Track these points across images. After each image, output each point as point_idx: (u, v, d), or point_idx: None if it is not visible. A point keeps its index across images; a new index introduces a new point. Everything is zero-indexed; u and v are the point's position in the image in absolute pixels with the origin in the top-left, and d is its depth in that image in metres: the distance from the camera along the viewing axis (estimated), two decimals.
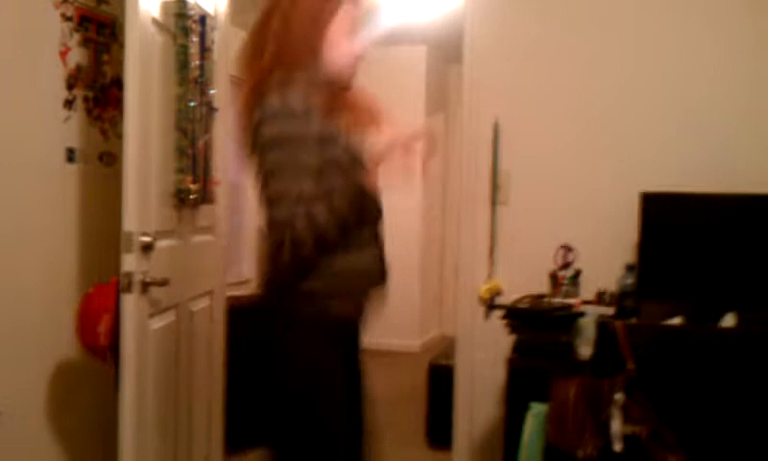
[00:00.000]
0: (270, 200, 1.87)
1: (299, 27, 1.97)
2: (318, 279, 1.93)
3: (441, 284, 7.74)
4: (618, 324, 2.57)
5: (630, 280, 3.07)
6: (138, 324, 2.44)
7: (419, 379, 4.61)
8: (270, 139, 1.86)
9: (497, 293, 3.53)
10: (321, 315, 1.95)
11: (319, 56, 1.99)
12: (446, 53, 7.03)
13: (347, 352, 2.05)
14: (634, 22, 3.38)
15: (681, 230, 3.03)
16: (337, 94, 2.03)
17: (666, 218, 3.06)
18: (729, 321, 2.79)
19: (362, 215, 1.96)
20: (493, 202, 3.56)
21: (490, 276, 3.56)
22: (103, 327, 2.50)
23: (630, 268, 3.09)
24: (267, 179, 1.88)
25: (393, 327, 7.00)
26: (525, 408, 2.83)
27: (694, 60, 3.31)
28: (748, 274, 2.94)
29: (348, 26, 2.03)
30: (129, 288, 2.40)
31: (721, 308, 2.83)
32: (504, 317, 3.12)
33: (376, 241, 2.06)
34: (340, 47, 2.01)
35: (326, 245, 1.89)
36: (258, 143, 1.89)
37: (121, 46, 2.65)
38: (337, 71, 2.03)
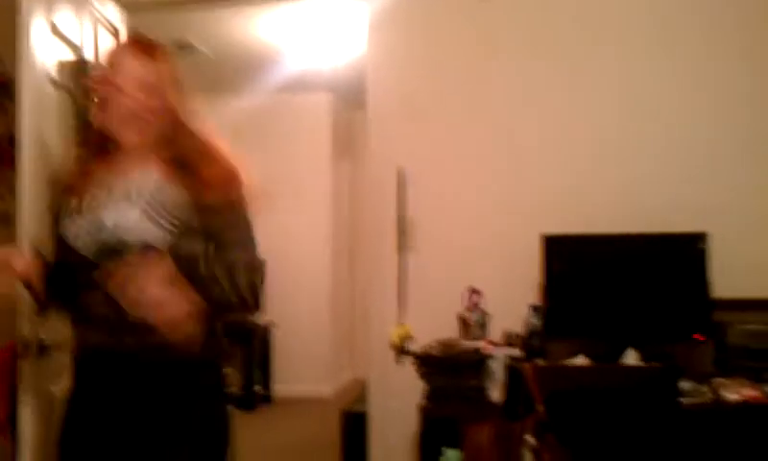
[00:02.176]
0: None
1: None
2: None
3: (352, 328, 7.72)
4: (527, 366, 2.62)
5: (535, 321, 3.14)
6: (38, 391, 2.33)
7: (332, 427, 4.55)
8: None
9: (408, 338, 3.53)
10: None
11: None
12: (352, 100, 7.10)
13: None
14: (533, 69, 3.49)
15: (582, 272, 3.13)
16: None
17: (568, 260, 3.15)
18: (630, 357, 2.89)
19: None
20: (400, 247, 3.59)
21: (399, 321, 3.57)
22: None
23: (535, 308, 3.16)
24: None
25: (303, 373, 6.94)
26: (439, 455, 2.83)
27: (595, 104, 3.43)
28: (645, 311, 3.05)
29: None
30: (26, 353, 2.29)
31: (622, 345, 2.92)
32: (414, 363, 3.13)
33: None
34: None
35: None
36: None
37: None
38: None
